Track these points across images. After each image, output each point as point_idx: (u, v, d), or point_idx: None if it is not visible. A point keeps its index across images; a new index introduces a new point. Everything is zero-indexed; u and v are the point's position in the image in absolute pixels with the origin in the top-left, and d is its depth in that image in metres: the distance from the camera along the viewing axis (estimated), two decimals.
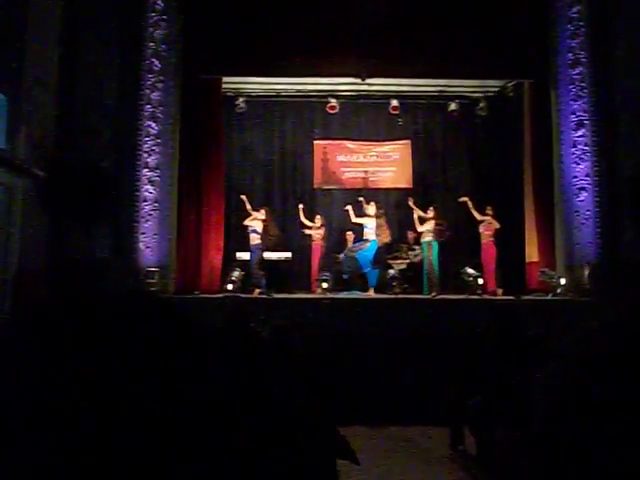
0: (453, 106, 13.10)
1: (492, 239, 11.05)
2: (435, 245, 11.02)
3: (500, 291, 10.76)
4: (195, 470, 1.33)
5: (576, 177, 10.13)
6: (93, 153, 9.33)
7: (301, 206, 12.19)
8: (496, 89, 13.01)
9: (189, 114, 10.68)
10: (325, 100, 12.94)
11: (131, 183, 9.79)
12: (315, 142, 13.68)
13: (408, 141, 13.71)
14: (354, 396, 6.79)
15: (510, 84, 12.38)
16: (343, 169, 13.72)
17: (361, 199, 11.66)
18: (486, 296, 10.31)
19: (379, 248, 11.14)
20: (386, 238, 11.25)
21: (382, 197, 13.47)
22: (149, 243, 9.78)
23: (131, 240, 9.71)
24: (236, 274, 10.51)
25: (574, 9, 10.32)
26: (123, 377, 1.39)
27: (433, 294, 10.43)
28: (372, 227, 11.08)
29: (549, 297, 9.96)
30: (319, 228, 11.87)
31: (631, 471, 1.58)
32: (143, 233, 9.77)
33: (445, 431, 6.00)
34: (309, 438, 2.04)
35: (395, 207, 13.40)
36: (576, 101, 10.23)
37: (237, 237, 11.75)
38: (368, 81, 11.60)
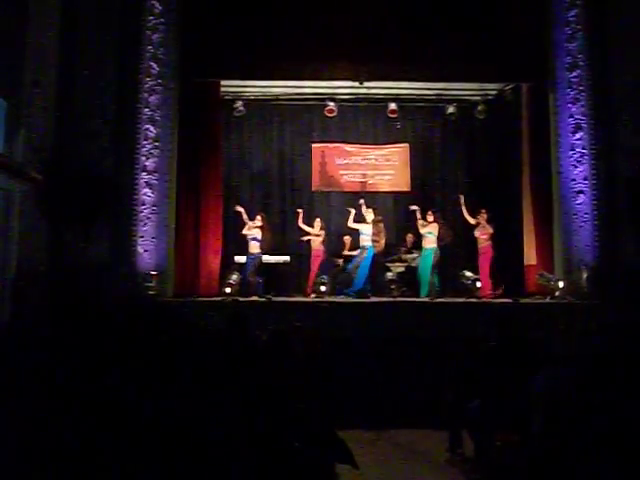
0: (451, 109, 13.10)
1: (489, 243, 11.02)
2: (437, 252, 11.04)
3: (500, 291, 10.71)
4: (195, 470, 1.34)
5: (574, 180, 10.14)
6: (91, 156, 9.32)
7: (300, 211, 12.15)
8: (494, 92, 13.01)
9: (187, 117, 10.68)
10: (323, 103, 12.92)
11: (129, 186, 9.78)
12: (313, 145, 13.66)
13: (406, 144, 13.70)
14: (353, 399, 6.79)
15: (508, 87, 12.38)
16: (341, 172, 13.71)
17: (362, 201, 11.66)
18: (484, 299, 10.32)
19: (374, 256, 11.15)
20: (381, 247, 11.22)
21: (380, 200, 13.48)
22: (147, 247, 9.77)
23: (129, 244, 9.70)
24: (234, 277, 10.51)
25: (572, 12, 10.33)
26: (122, 378, 1.39)
27: (431, 297, 10.44)
28: (368, 233, 11.09)
29: (547, 300, 9.96)
30: (318, 233, 11.83)
31: (630, 471, 1.58)
32: (141, 237, 9.76)
33: (444, 434, 5.99)
34: (308, 441, 2.04)
35: (394, 210, 13.40)
36: (574, 104, 10.24)
37: (235, 241, 11.74)
38: (366, 84, 11.61)
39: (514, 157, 12.26)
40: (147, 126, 9.95)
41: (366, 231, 11.13)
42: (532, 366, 3.61)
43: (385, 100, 13.00)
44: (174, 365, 1.50)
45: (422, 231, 11.21)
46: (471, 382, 5.41)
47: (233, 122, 13.18)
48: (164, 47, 10.13)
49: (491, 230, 10.99)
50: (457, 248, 12.12)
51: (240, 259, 11.44)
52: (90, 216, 9.18)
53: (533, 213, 11.42)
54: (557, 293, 9.89)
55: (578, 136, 10.18)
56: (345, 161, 13.73)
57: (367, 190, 13.50)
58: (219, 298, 10.05)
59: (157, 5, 10.11)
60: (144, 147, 9.92)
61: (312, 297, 10.69)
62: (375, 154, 13.78)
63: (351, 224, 11.51)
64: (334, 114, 12.95)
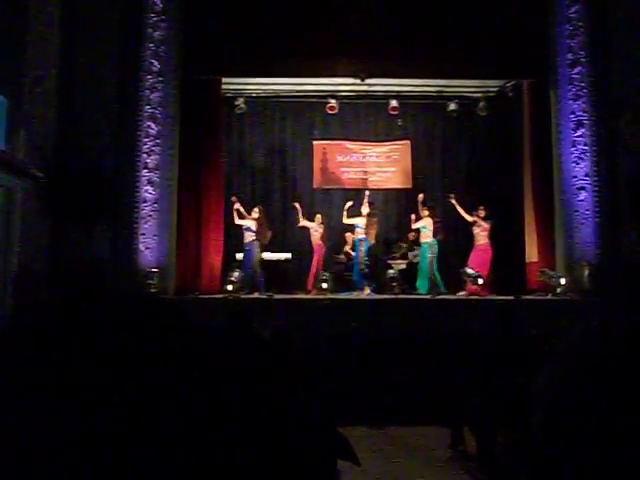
0: (452, 106, 13.09)
1: (487, 241, 11.01)
2: (436, 246, 11.07)
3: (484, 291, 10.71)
4: (196, 468, 1.34)
5: (576, 177, 10.13)
6: (93, 154, 9.32)
7: (298, 207, 12.13)
8: (495, 89, 13.00)
9: (189, 115, 10.67)
10: (325, 100, 12.93)
11: (131, 184, 9.78)
12: (315, 142, 13.67)
13: (408, 141, 13.71)
14: (354, 396, 6.79)
15: (509, 84, 12.37)
16: (343, 169, 13.72)
17: (367, 193, 11.71)
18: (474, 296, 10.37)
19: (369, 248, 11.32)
20: (372, 239, 11.34)
21: (381, 197, 13.49)
22: (149, 244, 9.77)
23: (131, 241, 9.70)
24: (236, 275, 10.51)
25: (573, 9, 10.31)
26: (124, 376, 1.39)
27: (433, 294, 10.45)
28: (362, 226, 11.20)
29: (549, 297, 9.96)
30: (318, 228, 11.84)
31: (631, 472, 1.58)
32: (143, 234, 9.76)
33: (445, 431, 6.00)
34: (310, 438, 2.04)
35: (396, 207, 13.41)
36: (575, 101, 10.23)
37: (237, 238, 11.75)
38: (367, 81, 11.59)
39: (515, 154, 12.25)
40: (148, 123, 9.95)
41: (361, 224, 11.25)
42: (533, 363, 3.61)
43: (386, 97, 12.99)
44: (175, 363, 1.50)
45: (414, 226, 11.38)
46: (472, 379, 5.42)
47: (234, 119, 13.20)
48: (165, 45, 10.12)
49: (488, 227, 10.98)
50: (457, 244, 12.15)
51: (242, 256, 11.45)
52: (91, 214, 9.18)
53: (534, 210, 11.40)
54: (559, 290, 9.88)
55: (579, 133, 10.16)
56: (346, 158, 13.74)
57: (368, 187, 13.50)
58: (221, 295, 10.06)
59: (158, 2, 10.11)
60: (145, 145, 9.92)
61: (313, 294, 10.72)
62: (376, 151, 13.79)
63: (345, 220, 11.58)
64: (335, 111, 12.95)
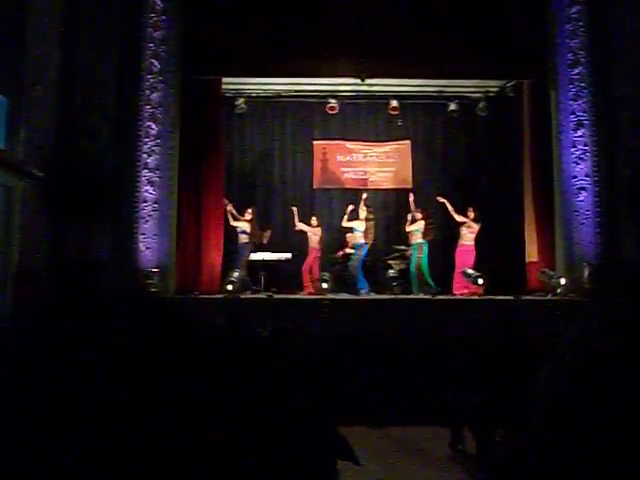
0: (453, 106, 13.10)
1: (473, 243, 11.03)
2: (425, 247, 11.12)
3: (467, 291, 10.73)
4: (196, 468, 1.34)
5: (576, 177, 10.12)
6: (93, 154, 9.33)
7: (295, 211, 12.14)
8: (496, 89, 13.00)
9: (189, 115, 10.68)
10: (325, 101, 12.93)
11: (131, 184, 9.77)
12: (315, 142, 13.67)
13: (408, 141, 13.70)
14: (354, 396, 6.79)
15: (509, 84, 12.37)
16: (343, 169, 13.72)
17: (365, 196, 11.73)
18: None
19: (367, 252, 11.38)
20: (370, 240, 11.42)
21: (381, 197, 13.50)
22: (149, 244, 9.77)
23: (131, 241, 9.69)
24: (236, 274, 10.52)
25: (573, 9, 10.31)
26: (123, 375, 1.39)
27: (432, 294, 10.45)
28: (362, 230, 11.25)
29: (549, 297, 9.95)
30: (315, 231, 11.85)
31: (631, 470, 1.58)
32: (143, 234, 9.76)
33: (445, 431, 6.00)
34: (310, 438, 2.05)
35: (396, 207, 13.41)
36: (575, 101, 10.22)
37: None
38: (368, 81, 11.58)
39: (515, 154, 12.25)
40: (148, 123, 9.95)
41: (361, 228, 11.28)
42: (533, 363, 3.61)
43: (386, 97, 12.99)
44: (175, 361, 1.50)
45: (408, 229, 11.46)
46: (472, 379, 5.42)
47: (234, 119, 13.20)
48: (165, 44, 10.12)
49: (477, 228, 11.00)
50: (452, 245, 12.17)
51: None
52: (91, 214, 9.18)
53: (534, 210, 11.41)
54: (558, 290, 9.87)
55: (580, 133, 10.16)
56: (346, 158, 13.74)
57: (368, 187, 13.51)
58: (221, 295, 10.06)
59: (158, 2, 10.11)
60: (145, 144, 9.91)
61: (304, 293, 10.79)
62: (376, 151, 13.79)
63: (345, 223, 11.61)
64: (335, 111, 12.95)
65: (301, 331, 6.13)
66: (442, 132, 13.77)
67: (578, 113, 10.20)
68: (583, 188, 10.07)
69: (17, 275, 8.08)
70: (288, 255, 12.03)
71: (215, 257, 11.01)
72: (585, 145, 10.11)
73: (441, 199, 11.47)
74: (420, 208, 11.45)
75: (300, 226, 11.93)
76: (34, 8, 8.52)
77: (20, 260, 8.13)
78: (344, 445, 3.01)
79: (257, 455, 1.51)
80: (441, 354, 7.25)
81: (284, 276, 12.03)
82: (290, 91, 13.11)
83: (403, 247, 12.16)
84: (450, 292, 10.88)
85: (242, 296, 10.09)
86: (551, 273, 10.31)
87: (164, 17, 10.12)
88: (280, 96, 13.30)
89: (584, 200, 10.04)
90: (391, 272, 11.37)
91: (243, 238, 11.16)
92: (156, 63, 10.04)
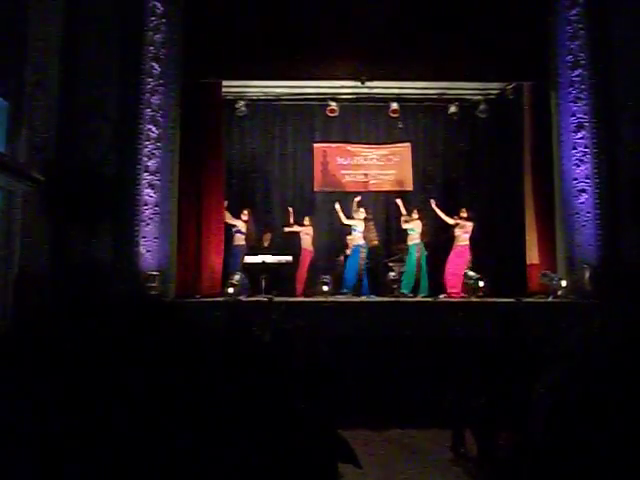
0: (453, 109, 13.12)
1: (468, 243, 11.03)
2: (423, 248, 11.16)
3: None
4: (196, 472, 1.34)
5: (576, 179, 10.12)
6: (93, 157, 9.33)
7: (291, 211, 12.20)
8: (496, 91, 13.02)
9: (189, 118, 10.68)
10: (325, 103, 12.95)
11: (131, 187, 9.76)
12: (315, 145, 13.69)
13: (408, 144, 13.72)
14: (355, 399, 6.78)
15: (510, 86, 12.38)
16: (343, 172, 13.73)
17: (357, 199, 11.76)
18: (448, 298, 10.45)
19: (369, 251, 11.40)
20: (375, 241, 11.45)
21: (382, 200, 13.51)
22: (150, 247, 9.76)
23: (132, 244, 9.68)
24: (237, 277, 10.52)
25: (573, 11, 10.31)
26: (125, 379, 1.39)
27: (435, 297, 10.47)
28: (360, 230, 11.23)
29: (550, 299, 9.95)
30: (308, 232, 11.90)
31: (634, 473, 1.58)
32: (144, 237, 9.75)
33: (447, 434, 6.00)
34: (310, 441, 2.04)
35: (396, 210, 13.42)
36: (576, 103, 10.22)
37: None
38: (368, 84, 11.60)
39: (516, 156, 12.25)
40: (149, 126, 9.94)
41: (359, 228, 11.32)
42: (535, 365, 3.61)
43: (387, 100, 13.02)
44: (175, 365, 1.49)
45: (404, 226, 11.51)
46: (474, 381, 5.41)
47: (235, 122, 13.22)
48: (166, 48, 10.12)
49: (471, 228, 11.00)
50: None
51: (245, 259, 11.53)
52: (92, 217, 9.18)
53: (535, 212, 11.40)
54: (560, 292, 9.87)
55: (580, 135, 10.15)
56: (347, 161, 13.76)
57: (369, 190, 13.53)
58: (222, 298, 10.06)
59: (159, 6, 10.11)
60: (146, 148, 9.91)
61: (306, 296, 10.82)
62: (377, 154, 13.80)
63: (345, 220, 11.64)
64: (336, 114, 12.98)
65: (302, 334, 6.12)
66: (442, 134, 13.79)
67: (578, 115, 10.19)
68: (584, 190, 10.06)
69: (18, 278, 8.08)
70: (289, 258, 12.04)
71: (216, 260, 11.00)
72: (585, 147, 10.10)
73: (432, 204, 11.48)
74: (416, 208, 11.46)
75: (291, 228, 12.00)
76: (35, 11, 8.53)
77: (21, 263, 8.13)
78: (345, 448, 3.01)
79: (257, 458, 1.51)
80: (443, 356, 7.24)
81: (285, 279, 12.04)
82: (290, 94, 13.13)
83: (405, 247, 12.17)
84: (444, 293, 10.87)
85: (243, 299, 10.09)
86: (552, 275, 10.31)
87: (164, 20, 10.12)
88: (280, 99, 13.33)
89: (585, 202, 10.03)
90: (392, 274, 11.37)
91: (239, 239, 11.21)
92: (156, 66, 10.04)
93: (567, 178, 10.22)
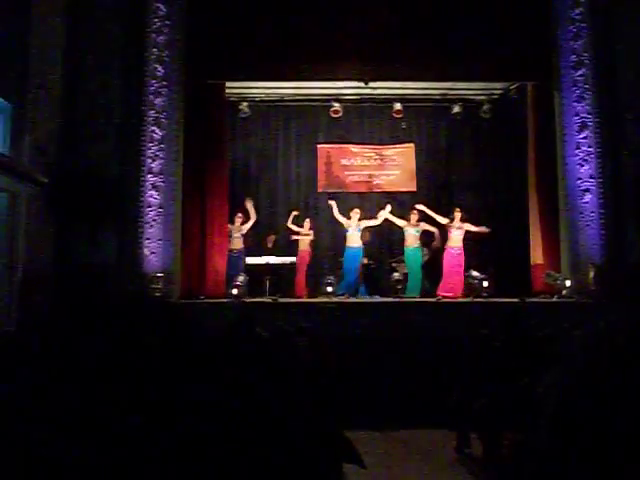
0: (457, 109, 13.11)
1: (462, 244, 10.96)
2: (424, 250, 11.33)
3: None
4: (198, 472, 1.33)
5: (580, 179, 10.11)
6: (97, 159, 9.35)
7: (294, 213, 12.21)
8: (499, 91, 13.01)
9: (193, 119, 10.68)
10: (328, 104, 12.95)
11: (135, 188, 9.78)
12: (319, 146, 13.70)
13: (412, 144, 13.72)
14: (360, 399, 6.78)
15: (513, 86, 12.37)
16: (347, 173, 13.73)
17: (332, 202, 11.82)
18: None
19: (363, 251, 11.51)
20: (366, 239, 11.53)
21: (385, 200, 13.50)
22: (154, 248, 9.77)
23: (135, 246, 9.69)
24: (241, 279, 10.53)
25: (576, 10, 10.30)
26: (129, 380, 1.39)
27: (438, 297, 10.45)
28: (353, 232, 11.35)
29: (554, 299, 9.94)
30: (307, 233, 11.90)
31: (638, 473, 1.58)
32: (148, 238, 9.76)
33: (451, 434, 5.99)
34: (315, 441, 2.04)
35: (399, 210, 13.41)
36: (579, 103, 10.21)
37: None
38: (371, 85, 11.61)
39: (520, 156, 12.24)
40: (153, 128, 9.95)
41: (352, 230, 11.33)
42: (539, 365, 3.60)
43: (390, 100, 13.02)
44: (180, 366, 1.50)
45: (407, 229, 11.42)
46: (478, 381, 5.41)
47: (238, 123, 13.22)
48: (169, 49, 10.13)
49: (465, 228, 10.96)
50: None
51: (247, 260, 11.52)
52: (96, 219, 9.20)
53: (539, 212, 11.38)
54: (564, 292, 9.86)
55: (584, 135, 10.14)
56: (351, 162, 13.75)
57: (373, 190, 13.53)
58: (226, 299, 10.06)
59: (162, 7, 10.12)
60: (150, 149, 9.92)
61: (307, 298, 10.85)
62: (381, 154, 13.80)
63: (337, 215, 11.62)
64: (339, 115, 12.97)
65: (306, 334, 6.12)
66: (446, 135, 13.79)
67: (582, 114, 10.18)
68: (588, 190, 10.05)
69: (23, 280, 8.10)
70: (293, 259, 12.04)
71: (220, 261, 11.00)
72: (589, 146, 10.09)
73: (420, 207, 11.42)
74: (415, 210, 11.43)
75: (290, 227, 12.01)
76: (37, 13, 8.55)
77: (26, 265, 8.15)
78: (349, 448, 3.00)
79: (260, 458, 1.51)
80: (447, 357, 7.23)
81: (289, 280, 12.04)
82: (294, 95, 13.13)
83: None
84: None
85: (247, 300, 10.09)
86: (556, 275, 10.29)
87: (168, 22, 10.13)
88: (284, 100, 13.33)
89: (589, 202, 10.01)
90: (396, 275, 11.36)
91: (238, 242, 11.23)
92: (160, 68, 10.05)
93: (571, 178, 10.20)
